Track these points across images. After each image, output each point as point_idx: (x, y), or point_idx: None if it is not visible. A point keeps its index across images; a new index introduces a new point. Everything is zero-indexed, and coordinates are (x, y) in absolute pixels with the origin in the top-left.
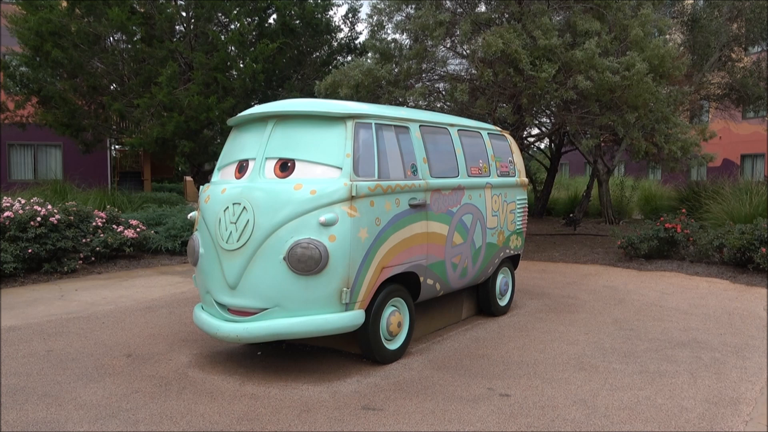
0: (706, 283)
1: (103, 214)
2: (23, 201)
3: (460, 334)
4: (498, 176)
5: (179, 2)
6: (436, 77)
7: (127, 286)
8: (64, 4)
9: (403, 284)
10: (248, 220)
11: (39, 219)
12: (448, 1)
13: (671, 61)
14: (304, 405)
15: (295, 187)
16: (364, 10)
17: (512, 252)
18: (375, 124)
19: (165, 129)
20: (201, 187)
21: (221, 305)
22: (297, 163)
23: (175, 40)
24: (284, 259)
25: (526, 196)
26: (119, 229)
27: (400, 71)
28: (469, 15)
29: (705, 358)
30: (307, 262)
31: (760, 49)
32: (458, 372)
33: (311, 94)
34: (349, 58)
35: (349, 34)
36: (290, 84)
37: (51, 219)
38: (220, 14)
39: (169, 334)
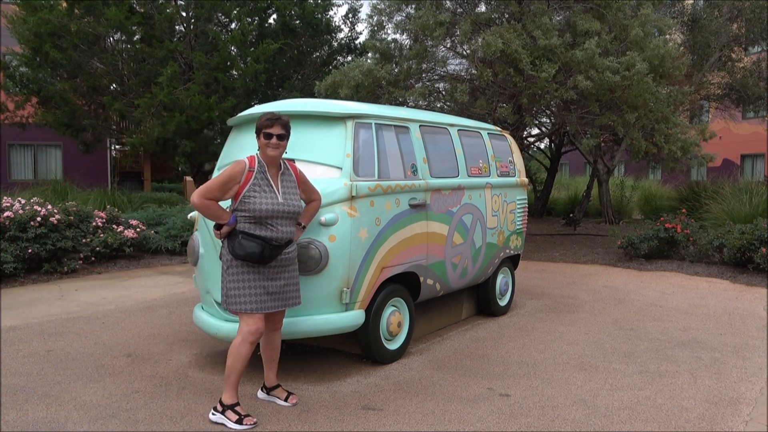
0: (706, 283)
1: (103, 214)
2: (23, 201)
3: (460, 334)
4: (498, 176)
5: (179, 2)
6: (436, 77)
7: (127, 286)
8: (64, 4)
9: (403, 284)
10: None
11: (39, 219)
12: (448, 1)
13: (671, 61)
14: (304, 405)
15: None
16: (364, 11)
17: (512, 252)
18: (375, 124)
19: (166, 129)
20: None
21: (221, 305)
22: (297, 163)
23: (175, 40)
24: None
25: (526, 196)
26: (119, 229)
27: (400, 71)
28: (469, 15)
29: (705, 358)
30: (307, 262)
31: (760, 49)
32: (458, 372)
33: (311, 94)
34: (349, 58)
35: (349, 35)
36: (290, 84)
37: (51, 219)
38: (220, 14)
39: (169, 334)
